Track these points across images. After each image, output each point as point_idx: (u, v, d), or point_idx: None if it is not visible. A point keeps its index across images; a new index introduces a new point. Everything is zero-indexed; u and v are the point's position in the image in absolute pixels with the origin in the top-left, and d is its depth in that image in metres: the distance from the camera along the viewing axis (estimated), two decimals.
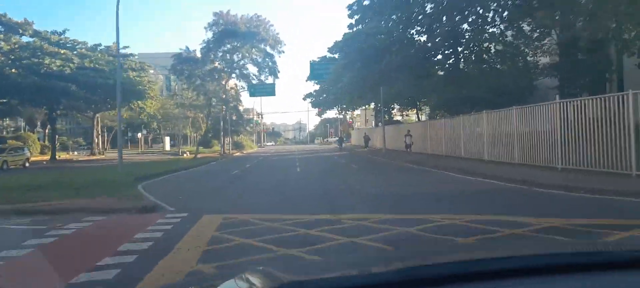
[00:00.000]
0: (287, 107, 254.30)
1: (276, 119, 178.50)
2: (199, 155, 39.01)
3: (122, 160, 18.31)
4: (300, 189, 13.30)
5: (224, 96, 44.14)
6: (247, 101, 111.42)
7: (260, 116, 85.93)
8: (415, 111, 43.79)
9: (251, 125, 71.45)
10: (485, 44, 26.47)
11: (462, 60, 27.73)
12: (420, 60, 27.90)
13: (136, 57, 46.89)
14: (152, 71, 69.93)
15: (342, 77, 29.98)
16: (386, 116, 40.78)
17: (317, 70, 36.78)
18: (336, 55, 33.88)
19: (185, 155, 43.93)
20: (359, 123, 71.28)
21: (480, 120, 20.74)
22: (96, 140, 50.03)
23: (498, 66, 28.38)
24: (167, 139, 71.67)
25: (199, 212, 9.16)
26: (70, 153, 52.42)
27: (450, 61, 28.17)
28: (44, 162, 36.48)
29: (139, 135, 67.79)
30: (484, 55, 27.25)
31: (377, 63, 25.27)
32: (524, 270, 1.39)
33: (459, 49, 27.26)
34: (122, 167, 19.23)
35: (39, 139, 55.88)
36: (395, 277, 1.38)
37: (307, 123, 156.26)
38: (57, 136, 64.91)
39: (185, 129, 66.72)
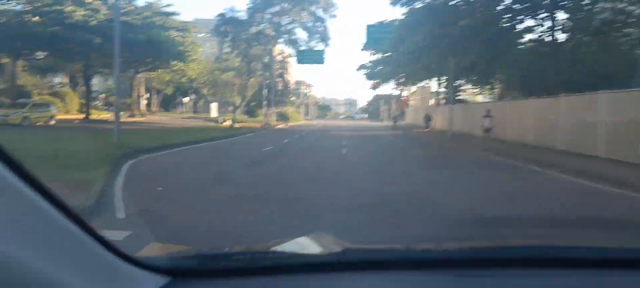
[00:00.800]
0: (339, 80, 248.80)
1: (327, 93, 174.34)
2: (237, 125, 35.41)
3: (119, 126, 14.23)
4: (344, 192, 8.73)
5: (268, 62, 40.13)
6: (298, 73, 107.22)
7: (308, 87, 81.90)
8: (488, 89, 37.62)
9: (299, 95, 67.38)
10: (595, 7, 20.50)
11: (559, 28, 21.82)
12: (502, 27, 22.48)
13: (180, 15, 43.76)
14: (201, 35, 67.50)
15: (405, 41, 24.65)
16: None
17: (375, 34, 31.49)
18: (398, 17, 28.69)
19: (225, 123, 40.50)
20: (413, 101, 65.69)
21: (594, 104, 15.35)
22: (136, 102, 47.70)
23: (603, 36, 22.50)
24: (214, 106, 68.93)
25: (152, 231, 5.03)
26: (111, 113, 50.42)
27: (542, 28, 22.40)
28: (75, 121, 34.11)
29: (186, 99, 65.22)
30: (589, 24, 21.20)
31: (451, 26, 20.04)
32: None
33: (555, 14, 21.36)
34: (128, 135, 15.47)
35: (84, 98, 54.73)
36: (469, 255, 1.44)
37: (358, 99, 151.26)
38: (103, 94, 64.23)
39: (232, 97, 63.54)
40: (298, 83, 78.41)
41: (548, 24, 21.44)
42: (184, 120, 43.74)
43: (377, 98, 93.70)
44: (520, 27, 23.17)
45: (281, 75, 44.72)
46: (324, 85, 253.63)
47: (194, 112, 72.70)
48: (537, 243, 1.78)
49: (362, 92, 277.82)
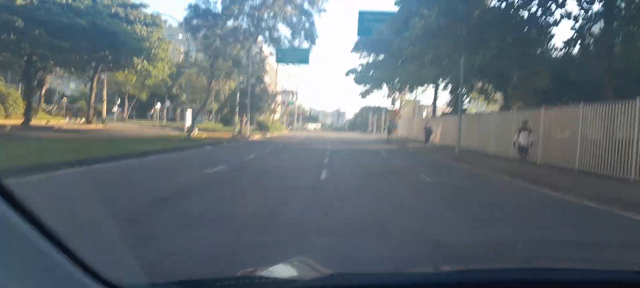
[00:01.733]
0: (329, 90, 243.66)
1: (316, 104, 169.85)
2: (204, 135, 29.84)
3: None
4: None
5: (243, 62, 34.74)
6: (286, 82, 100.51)
7: (293, 95, 76.59)
8: (491, 100, 32.58)
9: (283, 103, 61.88)
10: None
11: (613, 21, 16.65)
12: (533, 14, 17.52)
13: (148, 7, 38.29)
14: (180, 36, 62.48)
15: (408, 26, 19.02)
16: (457, 101, 29.80)
17: (369, 22, 26.21)
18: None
19: (193, 132, 34.86)
20: (403, 113, 60.93)
21: None
22: (95, 106, 41.99)
23: None
24: (189, 112, 63.09)
25: None
26: (64, 119, 44.26)
27: (585, 16, 17.32)
28: (7, 127, 28.21)
29: (157, 106, 59.01)
30: None
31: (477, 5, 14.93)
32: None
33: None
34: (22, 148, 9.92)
35: (50, 102, 49.14)
36: (448, 279, 1.38)
37: (346, 111, 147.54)
38: (65, 98, 57.93)
39: (209, 102, 57.79)
40: (285, 93, 73.16)
41: (596, 7, 16.39)
42: (148, 129, 38.17)
43: (366, 109, 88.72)
44: (558, 12, 17.98)
45: (260, 78, 39.17)
46: (314, 97, 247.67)
47: (170, 120, 66.85)
48: (529, 265, 1.74)
49: (351, 103, 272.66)
